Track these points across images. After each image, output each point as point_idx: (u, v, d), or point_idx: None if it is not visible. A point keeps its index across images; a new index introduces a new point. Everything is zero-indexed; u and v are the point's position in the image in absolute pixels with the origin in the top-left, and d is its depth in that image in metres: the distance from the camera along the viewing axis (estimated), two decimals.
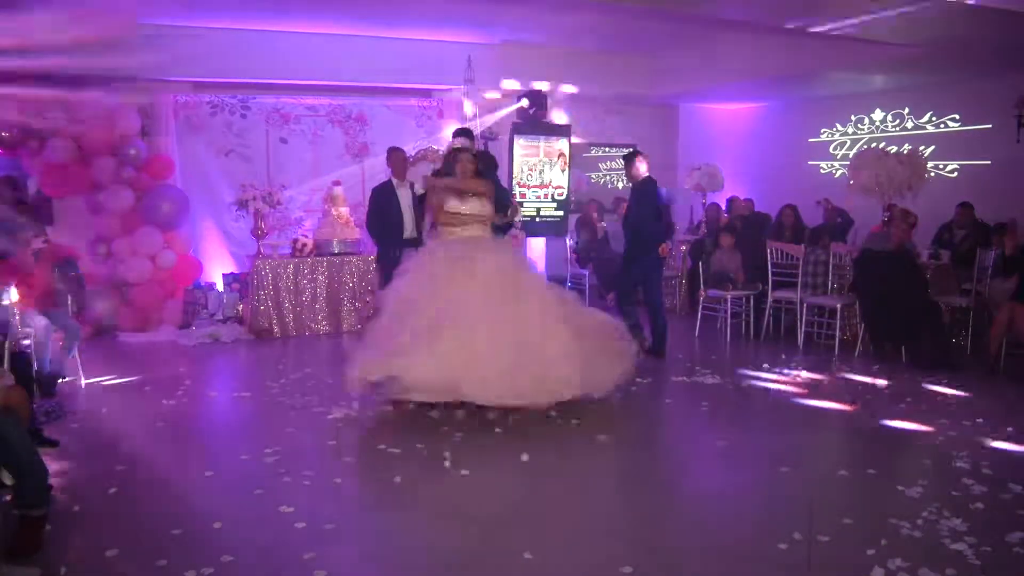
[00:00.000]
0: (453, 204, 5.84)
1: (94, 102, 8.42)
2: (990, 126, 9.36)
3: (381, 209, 7.09)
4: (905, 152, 8.66)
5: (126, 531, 3.73)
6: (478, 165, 6.00)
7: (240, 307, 8.72)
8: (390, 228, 7.05)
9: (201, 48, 8.76)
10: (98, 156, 8.48)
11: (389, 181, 7.15)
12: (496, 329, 5.26)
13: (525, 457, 4.72)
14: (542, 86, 9.96)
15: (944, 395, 6.32)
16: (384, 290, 5.97)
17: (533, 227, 9.82)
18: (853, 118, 10.81)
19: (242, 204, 8.78)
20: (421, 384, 5.20)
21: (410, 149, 9.27)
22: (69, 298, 6.59)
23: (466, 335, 5.21)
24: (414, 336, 5.22)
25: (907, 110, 10.20)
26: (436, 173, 6.41)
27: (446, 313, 5.30)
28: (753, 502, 4.16)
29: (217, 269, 9.34)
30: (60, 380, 6.15)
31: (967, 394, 6.38)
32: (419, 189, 7.16)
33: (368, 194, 7.72)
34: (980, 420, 5.48)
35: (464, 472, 4.49)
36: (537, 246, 10.11)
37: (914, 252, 7.70)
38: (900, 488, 4.23)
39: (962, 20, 6.52)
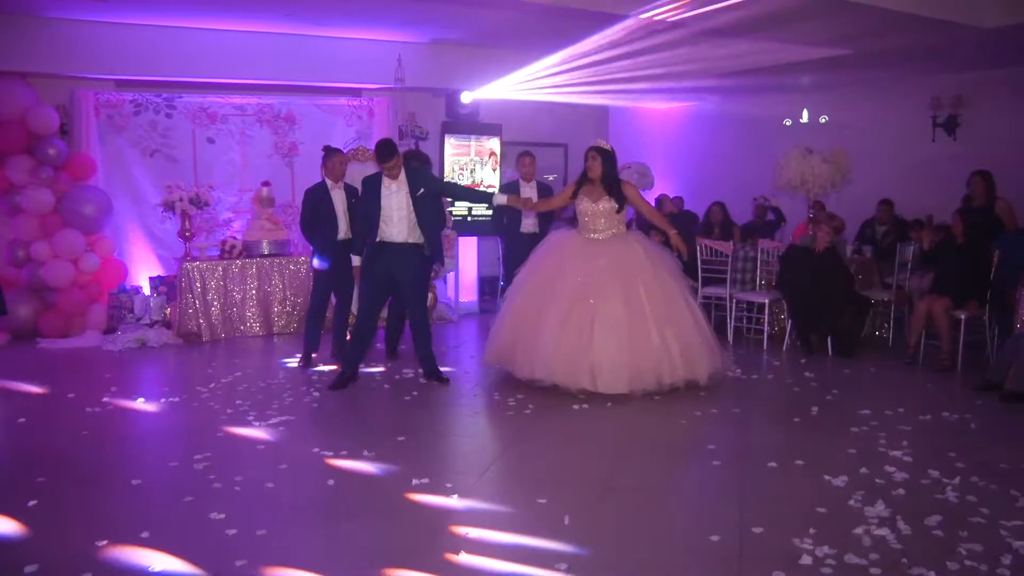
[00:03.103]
0: (584, 206, 6.33)
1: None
2: (908, 126, 9.67)
3: (315, 211, 7.00)
4: (828, 151, 8.90)
5: (47, 545, 3.61)
6: (606, 164, 6.30)
7: (167, 310, 8.52)
8: (324, 230, 6.97)
9: (123, 45, 8.55)
10: (13, 155, 8.21)
11: (323, 182, 7.05)
12: (613, 322, 5.91)
13: (462, 460, 4.72)
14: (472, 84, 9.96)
15: (867, 386, 6.53)
16: (518, 275, 6.57)
17: (465, 227, 9.81)
18: (782, 117, 11.03)
19: (168, 205, 8.59)
20: (555, 375, 5.97)
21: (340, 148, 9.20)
22: None
23: (587, 328, 5.92)
24: (541, 327, 6.03)
25: (831, 110, 10.46)
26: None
27: (572, 306, 6.00)
28: (686, 495, 4.22)
29: (143, 272, 9.12)
30: None
31: (889, 384, 6.60)
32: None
33: (298, 194, 7.62)
34: (901, 409, 5.67)
35: (400, 474, 4.46)
36: (469, 246, 10.09)
37: (840, 251, 7.93)
38: (827, 477, 4.34)
39: (882, 24, 6.73)
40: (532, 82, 10.26)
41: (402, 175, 6.24)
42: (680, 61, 9.28)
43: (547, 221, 8.03)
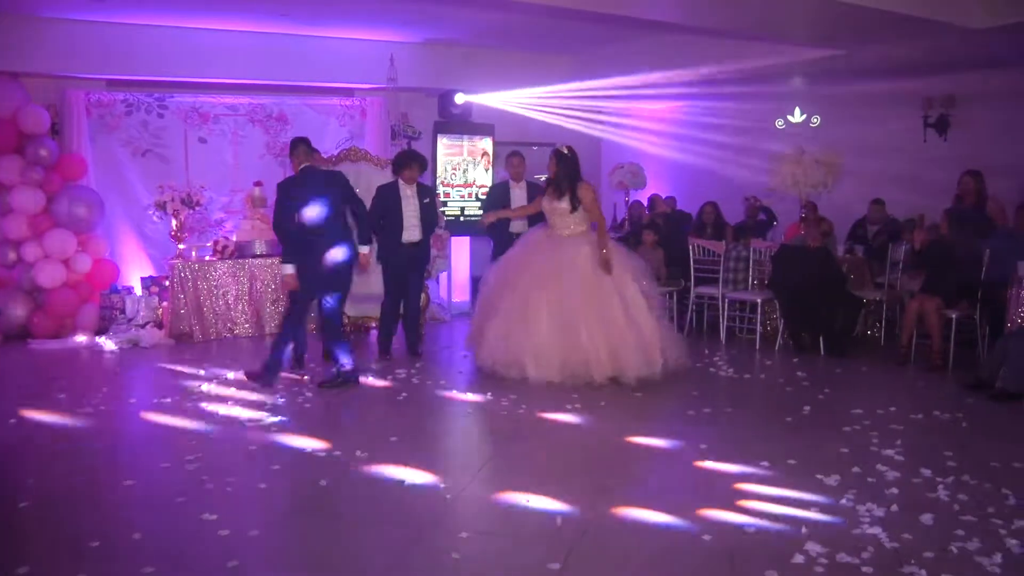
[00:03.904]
0: (544, 204, 6.72)
1: None
2: (899, 126, 9.68)
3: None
4: (820, 152, 8.95)
5: (39, 546, 3.60)
6: (563, 168, 6.61)
7: (159, 311, 8.49)
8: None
9: (115, 44, 8.52)
10: (4, 155, 8.17)
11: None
12: (546, 317, 6.32)
13: (455, 460, 4.72)
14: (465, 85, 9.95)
15: (859, 385, 6.55)
16: (492, 266, 7.10)
17: (457, 227, 9.79)
18: (774, 118, 11.05)
19: (160, 206, 8.56)
20: (494, 360, 6.48)
21: (332, 148, 9.19)
22: None
23: (521, 321, 6.39)
24: (492, 319, 6.57)
25: (823, 110, 10.49)
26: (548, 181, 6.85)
27: (517, 300, 6.45)
28: (678, 495, 4.22)
29: (135, 272, 9.08)
30: None
31: (881, 383, 6.62)
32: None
33: None
34: (893, 408, 5.69)
35: (392, 475, 4.46)
36: (461, 246, 10.09)
37: (832, 251, 7.96)
38: (819, 477, 4.35)
39: (876, 25, 6.75)
40: (526, 99, 10.47)
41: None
42: (672, 63, 9.31)
43: (536, 221, 8.03)
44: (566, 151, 6.70)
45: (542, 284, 6.45)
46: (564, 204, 6.58)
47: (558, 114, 11.29)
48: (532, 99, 10.91)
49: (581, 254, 6.52)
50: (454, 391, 6.40)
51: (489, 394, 6.15)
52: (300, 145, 6.41)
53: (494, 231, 7.99)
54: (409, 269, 7.34)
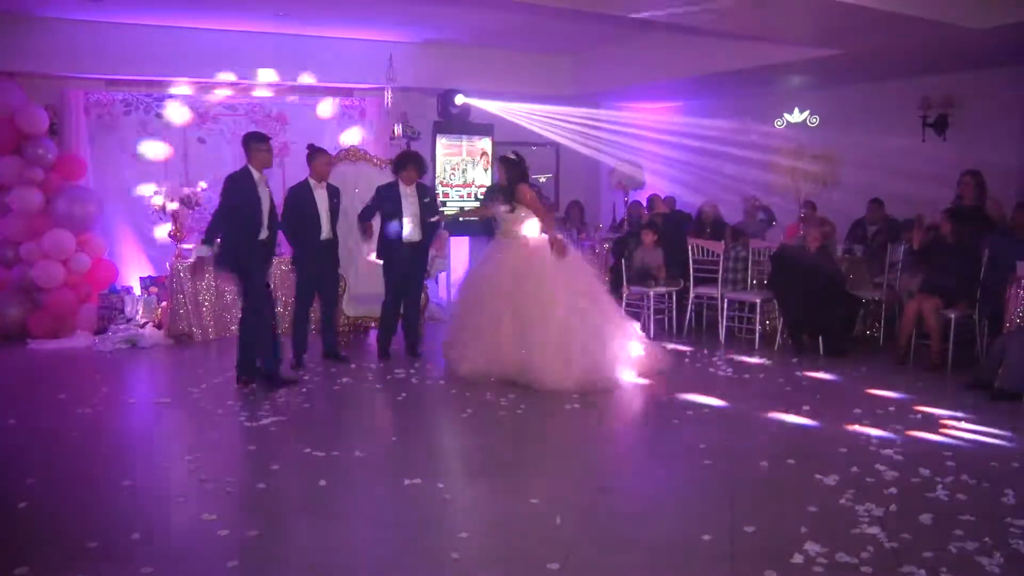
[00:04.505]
0: (499, 212, 6.81)
1: None
2: (898, 126, 9.69)
3: (297, 210, 6.95)
4: (819, 151, 8.96)
5: (38, 546, 3.59)
6: (508, 172, 6.77)
7: (159, 311, 8.48)
8: (306, 229, 6.92)
9: (113, 44, 8.52)
10: (3, 155, 8.17)
11: (306, 181, 6.99)
12: (474, 319, 6.63)
13: (455, 460, 4.71)
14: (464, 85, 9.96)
15: (858, 385, 6.54)
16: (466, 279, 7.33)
17: (456, 226, 9.80)
18: (773, 118, 11.06)
19: (159, 206, 8.55)
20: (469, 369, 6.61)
21: (331, 148, 9.18)
22: None
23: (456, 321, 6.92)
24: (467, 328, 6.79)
25: (822, 110, 10.50)
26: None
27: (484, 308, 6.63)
28: (677, 495, 4.23)
29: (134, 272, 9.08)
30: None
31: (879, 384, 6.61)
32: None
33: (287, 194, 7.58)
34: (891, 408, 5.69)
35: (392, 475, 4.45)
36: (460, 246, 10.09)
37: (831, 251, 7.95)
38: (818, 477, 4.35)
39: (875, 25, 6.75)
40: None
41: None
42: (672, 59, 9.29)
43: None
44: (513, 156, 6.84)
45: (478, 289, 6.77)
46: (506, 206, 6.72)
47: (557, 119, 11.32)
48: (531, 106, 10.95)
49: (512, 258, 6.62)
50: (453, 391, 6.40)
51: (489, 394, 6.15)
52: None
53: (491, 232, 7.99)
54: (410, 269, 7.35)
